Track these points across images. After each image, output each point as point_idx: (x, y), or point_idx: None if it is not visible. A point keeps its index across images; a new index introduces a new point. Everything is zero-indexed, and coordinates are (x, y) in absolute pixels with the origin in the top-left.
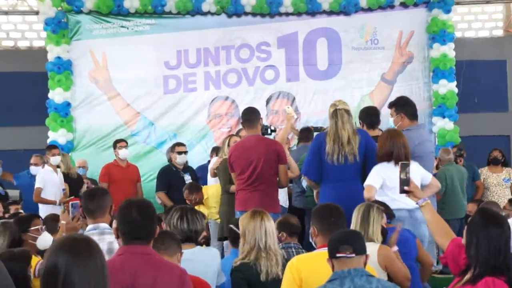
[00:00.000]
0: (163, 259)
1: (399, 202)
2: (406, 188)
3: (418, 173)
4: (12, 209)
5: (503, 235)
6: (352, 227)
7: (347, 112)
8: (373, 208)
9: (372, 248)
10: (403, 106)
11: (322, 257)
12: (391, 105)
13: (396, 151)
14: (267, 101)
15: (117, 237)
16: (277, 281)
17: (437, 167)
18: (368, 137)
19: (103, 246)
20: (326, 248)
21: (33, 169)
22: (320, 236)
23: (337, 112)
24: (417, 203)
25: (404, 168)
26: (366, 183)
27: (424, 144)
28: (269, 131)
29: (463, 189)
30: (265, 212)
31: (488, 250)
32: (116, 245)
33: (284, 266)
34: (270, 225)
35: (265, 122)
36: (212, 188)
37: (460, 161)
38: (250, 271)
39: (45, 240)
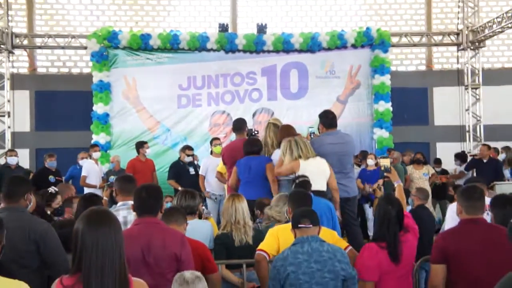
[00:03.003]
0: (168, 226)
1: None
2: (385, 174)
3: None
4: None
5: (388, 213)
6: None
7: (274, 125)
8: None
9: None
10: (321, 118)
11: None
12: (319, 117)
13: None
14: (253, 115)
15: (134, 210)
16: (248, 246)
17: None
18: None
19: (131, 217)
20: None
21: (81, 162)
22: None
23: (268, 125)
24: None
25: (385, 159)
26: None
27: (328, 146)
28: (253, 133)
29: None
30: (238, 195)
31: (378, 222)
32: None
33: (255, 237)
34: (240, 205)
35: (252, 127)
36: None
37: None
38: (227, 239)
39: None
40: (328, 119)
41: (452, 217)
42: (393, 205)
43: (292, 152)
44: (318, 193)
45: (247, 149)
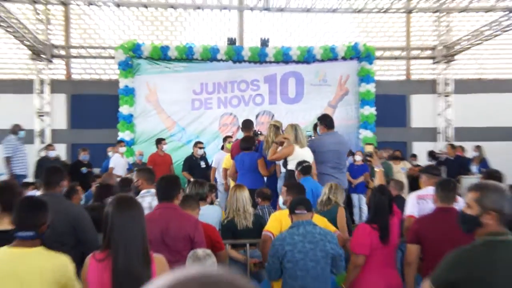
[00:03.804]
0: (183, 211)
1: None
2: (368, 158)
3: (310, 153)
4: (96, 180)
5: (382, 202)
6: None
7: (275, 126)
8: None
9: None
10: (322, 121)
11: None
12: (318, 119)
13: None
14: (256, 116)
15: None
16: (249, 229)
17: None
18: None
19: (154, 202)
20: None
21: (110, 155)
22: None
23: (270, 126)
24: (375, 168)
25: (369, 145)
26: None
27: (328, 145)
28: (258, 133)
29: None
30: (241, 185)
31: (373, 209)
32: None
33: (254, 222)
34: (241, 194)
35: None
36: None
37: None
38: (232, 225)
39: None
40: (328, 122)
41: (410, 203)
42: (385, 195)
43: (295, 135)
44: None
45: (242, 145)
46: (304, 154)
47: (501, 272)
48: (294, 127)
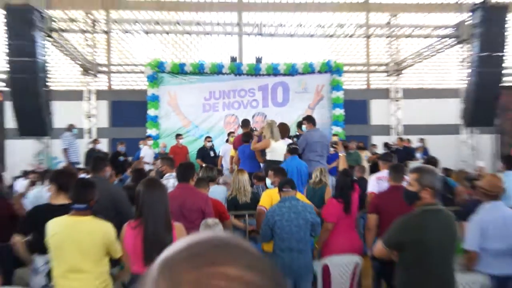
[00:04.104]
0: (197, 189)
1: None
2: (334, 145)
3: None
4: (130, 167)
5: (346, 182)
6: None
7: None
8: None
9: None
10: (308, 120)
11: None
12: (304, 119)
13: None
14: (252, 117)
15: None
16: (247, 204)
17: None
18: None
19: (176, 183)
20: None
21: (141, 147)
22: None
23: (268, 124)
24: (339, 153)
25: (335, 136)
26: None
27: (316, 138)
28: (253, 130)
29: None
30: (242, 170)
31: (339, 187)
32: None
33: (252, 198)
34: (243, 177)
35: (252, 125)
36: None
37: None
38: (235, 200)
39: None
40: (312, 120)
41: (371, 183)
42: (348, 176)
43: (271, 131)
44: (279, 162)
45: (243, 139)
46: (279, 146)
47: (432, 233)
48: (271, 125)
